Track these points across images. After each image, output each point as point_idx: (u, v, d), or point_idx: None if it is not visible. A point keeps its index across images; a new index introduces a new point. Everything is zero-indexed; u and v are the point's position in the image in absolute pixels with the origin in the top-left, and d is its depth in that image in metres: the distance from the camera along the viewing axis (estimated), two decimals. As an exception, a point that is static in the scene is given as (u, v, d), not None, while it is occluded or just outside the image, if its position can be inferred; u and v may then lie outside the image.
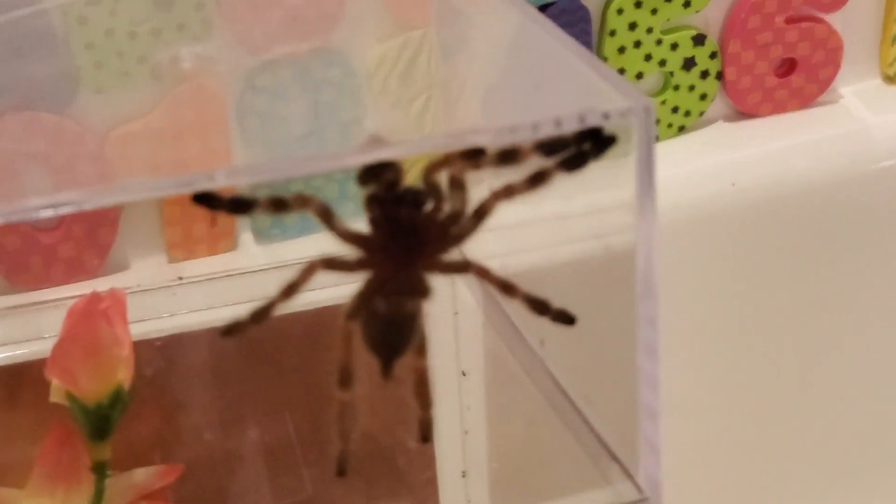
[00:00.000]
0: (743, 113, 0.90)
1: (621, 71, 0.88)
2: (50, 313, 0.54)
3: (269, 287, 0.47)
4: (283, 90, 0.66)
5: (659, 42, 0.88)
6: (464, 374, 0.59)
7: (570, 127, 0.42)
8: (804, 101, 0.91)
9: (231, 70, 0.57)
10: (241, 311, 0.48)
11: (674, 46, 0.88)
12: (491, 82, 0.47)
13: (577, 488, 0.46)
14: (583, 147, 0.43)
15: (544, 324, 0.49)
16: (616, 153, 0.44)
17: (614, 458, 0.46)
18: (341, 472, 0.47)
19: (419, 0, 0.63)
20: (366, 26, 0.65)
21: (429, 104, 0.55)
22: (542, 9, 0.84)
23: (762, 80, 0.89)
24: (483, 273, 0.46)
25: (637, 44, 0.87)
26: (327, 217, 0.45)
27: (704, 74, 0.89)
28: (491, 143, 0.42)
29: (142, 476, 0.53)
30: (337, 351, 0.45)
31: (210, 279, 0.53)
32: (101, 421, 0.52)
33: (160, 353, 0.54)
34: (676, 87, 0.89)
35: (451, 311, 0.59)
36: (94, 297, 0.52)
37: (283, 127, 0.68)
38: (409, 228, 0.45)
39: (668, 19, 0.87)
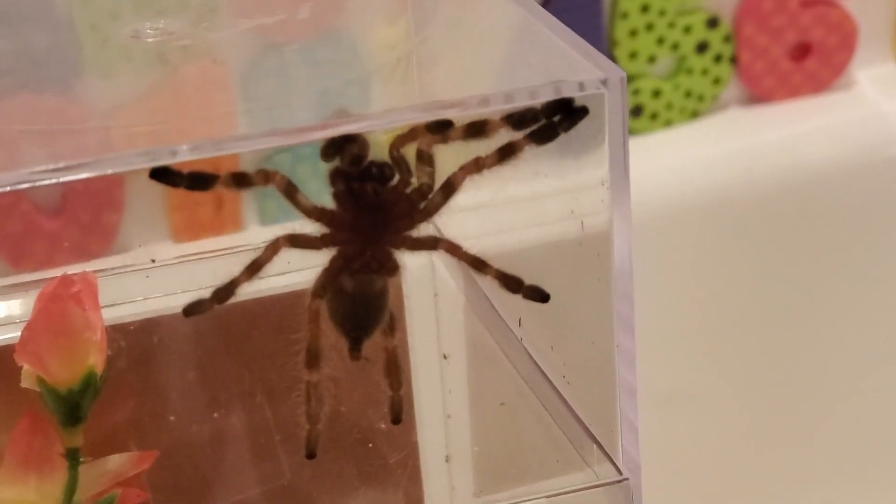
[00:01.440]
0: (757, 97, 0.89)
1: (633, 54, 0.87)
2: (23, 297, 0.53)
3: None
4: (289, 73, 0.65)
5: (671, 25, 0.87)
6: (445, 357, 0.58)
7: (545, 97, 0.40)
8: (818, 85, 0.90)
9: (237, 53, 0.56)
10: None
11: (687, 29, 0.87)
12: (463, 53, 0.46)
13: (558, 471, 0.44)
14: (553, 119, 0.41)
15: (522, 304, 0.47)
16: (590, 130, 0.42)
17: (593, 439, 0.44)
18: (311, 454, 0.46)
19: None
20: (374, 7, 0.64)
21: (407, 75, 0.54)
22: None
23: (776, 65, 0.88)
24: (453, 249, 0.45)
25: (649, 26, 0.86)
26: (291, 192, 0.44)
27: (718, 58, 0.88)
28: (461, 115, 0.41)
29: (116, 463, 0.52)
30: (304, 331, 0.43)
31: (184, 262, 0.52)
32: (72, 407, 0.51)
33: (134, 338, 0.53)
34: (689, 71, 0.88)
35: (430, 292, 0.58)
36: (65, 280, 0.51)
37: (289, 112, 0.67)
38: (374, 203, 0.44)
39: (681, 2, 0.85)
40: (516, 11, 0.47)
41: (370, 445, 0.54)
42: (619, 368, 0.44)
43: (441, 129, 0.43)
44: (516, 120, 0.43)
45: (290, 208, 0.68)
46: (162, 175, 0.42)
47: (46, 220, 0.67)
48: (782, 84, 0.90)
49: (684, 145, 0.87)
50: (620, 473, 0.45)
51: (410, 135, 0.45)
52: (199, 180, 0.43)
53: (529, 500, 0.45)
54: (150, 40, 0.47)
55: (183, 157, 0.40)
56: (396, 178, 0.45)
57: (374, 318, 0.47)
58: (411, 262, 0.56)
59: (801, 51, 0.90)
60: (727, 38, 0.89)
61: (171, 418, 0.55)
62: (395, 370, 0.48)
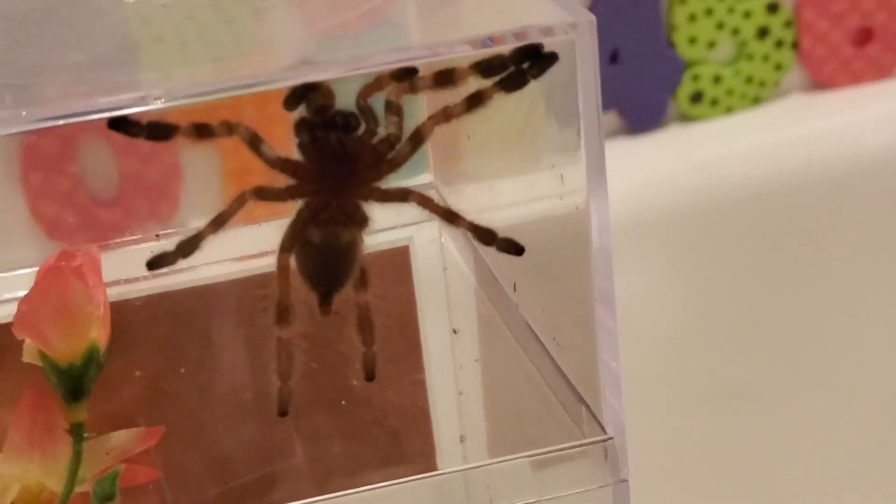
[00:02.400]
0: (819, 83, 0.87)
1: (692, 39, 0.86)
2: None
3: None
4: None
5: (731, 10, 0.86)
6: (455, 332, 0.57)
7: (511, 43, 0.39)
8: (882, 71, 0.88)
9: (288, 44, 0.56)
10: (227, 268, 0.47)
11: (747, 14, 0.85)
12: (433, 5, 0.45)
13: (557, 439, 0.43)
14: (522, 66, 0.40)
15: (517, 269, 0.46)
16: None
17: (581, 400, 0.44)
18: (283, 411, 0.46)
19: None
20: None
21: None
22: None
23: (838, 50, 0.86)
24: (424, 202, 0.44)
25: (709, 12, 0.85)
26: (255, 143, 0.44)
27: (779, 44, 0.86)
28: (428, 61, 0.40)
29: (121, 439, 0.52)
30: (273, 286, 0.43)
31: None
32: (75, 381, 0.51)
33: (140, 313, 0.53)
34: (750, 57, 0.86)
35: (440, 267, 0.58)
36: (66, 254, 0.51)
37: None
38: (340, 153, 0.43)
39: (741, -14, 0.84)
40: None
41: (382, 426, 0.53)
42: (600, 334, 0.42)
43: (407, 77, 0.42)
44: (484, 67, 0.43)
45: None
46: (120, 125, 0.41)
47: (102, 209, 0.67)
48: (844, 70, 0.88)
49: (746, 132, 0.86)
50: (605, 433, 0.45)
51: (377, 84, 0.44)
52: (158, 130, 0.42)
53: (515, 458, 0.44)
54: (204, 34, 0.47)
55: (154, 105, 0.39)
56: (363, 127, 0.44)
57: (343, 271, 0.47)
58: (419, 237, 0.56)
59: (863, 36, 0.88)
60: (788, 23, 0.87)
61: (183, 395, 0.54)
62: (368, 326, 0.47)
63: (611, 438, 0.45)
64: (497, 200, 0.52)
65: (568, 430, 0.46)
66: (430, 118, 0.44)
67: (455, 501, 0.44)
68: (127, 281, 0.52)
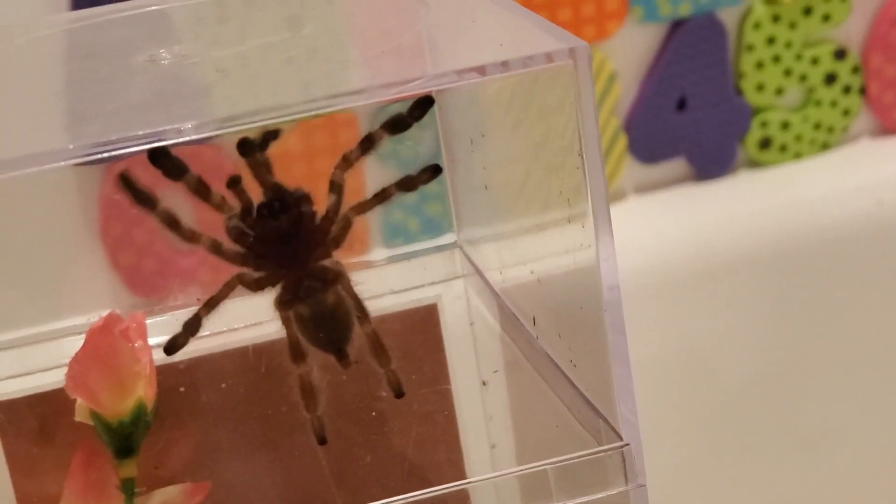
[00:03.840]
0: (887, 129, 0.87)
1: (760, 86, 0.86)
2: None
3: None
4: None
5: (799, 56, 0.86)
6: (484, 384, 0.58)
7: (516, 69, 0.42)
8: (951, 117, 0.87)
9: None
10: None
11: (814, 61, 0.86)
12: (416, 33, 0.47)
13: (573, 450, 0.45)
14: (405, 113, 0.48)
15: (536, 306, 0.51)
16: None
17: (598, 413, 0.45)
18: (321, 440, 0.50)
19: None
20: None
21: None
22: (677, 25, 0.83)
23: (906, 96, 0.86)
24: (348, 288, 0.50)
25: (776, 58, 0.86)
26: (216, 249, 0.49)
27: (847, 90, 0.87)
28: (432, 88, 0.42)
29: (170, 494, 0.54)
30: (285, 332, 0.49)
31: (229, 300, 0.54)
32: (124, 438, 0.53)
33: (184, 376, 0.55)
34: (818, 103, 0.87)
35: (466, 321, 0.60)
36: (113, 317, 0.53)
37: (413, 148, 0.70)
38: (285, 234, 0.49)
39: (808, 34, 0.84)
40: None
41: (416, 467, 0.54)
42: (610, 339, 0.44)
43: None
44: (391, 124, 0.48)
45: (412, 230, 0.71)
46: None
47: (181, 257, 0.70)
48: (912, 115, 0.88)
49: (814, 178, 0.86)
50: (621, 439, 0.46)
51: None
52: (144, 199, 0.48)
53: (537, 466, 0.46)
54: (164, 62, 0.50)
55: (189, 133, 0.42)
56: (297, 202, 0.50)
57: (343, 327, 0.51)
58: (446, 295, 0.58)
59: (931, 81, 0.88)
60: (855, 70, 0.87)
61: (227, 453, 0.56)
62: (381, 349, 0.50)
63: (627, 445, 0.46)
64: (516, 254, 0.54)
65: (585, 441, 0.48)
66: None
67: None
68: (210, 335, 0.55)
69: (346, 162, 0.49)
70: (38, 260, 0.66)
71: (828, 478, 0.84)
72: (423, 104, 0.48)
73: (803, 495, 0.84)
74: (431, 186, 0.50)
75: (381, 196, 0.50)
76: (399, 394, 0.51)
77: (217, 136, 0.43)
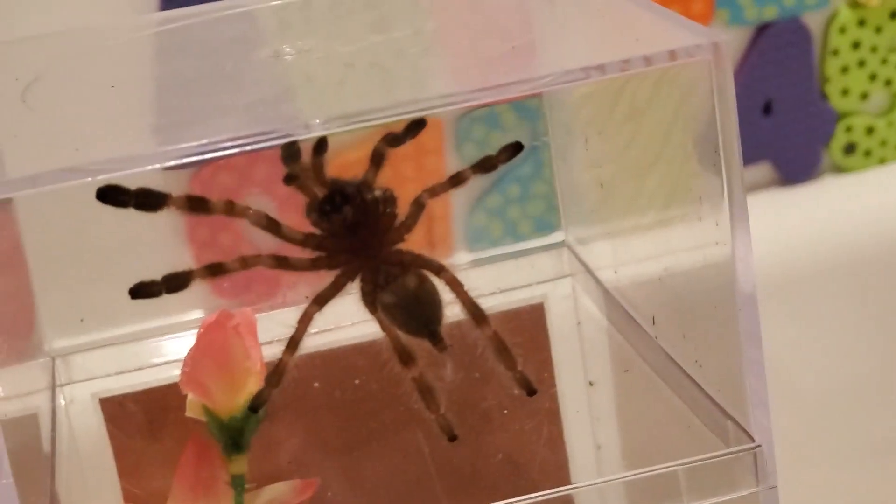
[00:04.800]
0: (976, 134, 0.86)
1: (845, 91, 0.86)
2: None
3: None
4: (498, 121, 0.70)
5: (884, 61, 0.86)
6: (591, 384, 0.58)
7: (660, 63, 0.42)
8: None
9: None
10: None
11: (900, 65, 0.86)
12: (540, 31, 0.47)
13: (696, 451, 0.45)
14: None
15: (655, 305, 0.51)
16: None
17: (726, 414, 0.45)
18: (451, 437, 0.50)
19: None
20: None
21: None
22: (762, 29, 0.84)
23: None
24: (454, 283, 0.49)
25: (861, 63, 0.86)
26: (273, 227, 0.49)
27: (933, 93, 0.86)
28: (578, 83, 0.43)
29: (279, 491, 0.55)
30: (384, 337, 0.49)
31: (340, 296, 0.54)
32: (235, 434, 0.54)
33: (294, 372, 0.55)
34: (904, 108, 0.86)
35: (573, 321, 0.60)
36: (224, 314, 0.54)
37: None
38: (357, 223, 0.49)
39: (893, 38, 0.84)
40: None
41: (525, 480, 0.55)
42: (744, 346, 0.44)
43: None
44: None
45: (498, 235, 0.72)
46: (108, 195, 0.45)
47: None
48: None
49: (898, 184, 0.85)
50: (753, 440, 0.46)
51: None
52: (148, 200, 0.45)
53: (665, 468, 0.46)
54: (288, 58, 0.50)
55: (317, 129, 0.43)
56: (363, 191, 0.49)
57: (431, 309, 0.50)
58: (553, 294, 0.58)
59: None
60: (942, 72, 0.87)
61: (334, 450, 0.56)
62: (505, 351, 0.50)
63: (759, 446, 0.46)
64: (635, 252, 0.54)
65: (711, 443, 0.47)
66: (424, 191, 0.50)
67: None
68: (279, 341, 0.54)
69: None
70: (135, 260, 0.66)
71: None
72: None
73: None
74: (538, 186, 0.51)
75: (457, 179, 0.50)
76: (531, 391, 0.50)
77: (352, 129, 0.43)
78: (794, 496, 0.66)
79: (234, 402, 0.55)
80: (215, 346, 0.55)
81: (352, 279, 0.50)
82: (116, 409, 0.60)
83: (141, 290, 0.49)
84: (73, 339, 0.54)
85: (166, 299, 0.56)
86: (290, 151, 0.49)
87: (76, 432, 0.60)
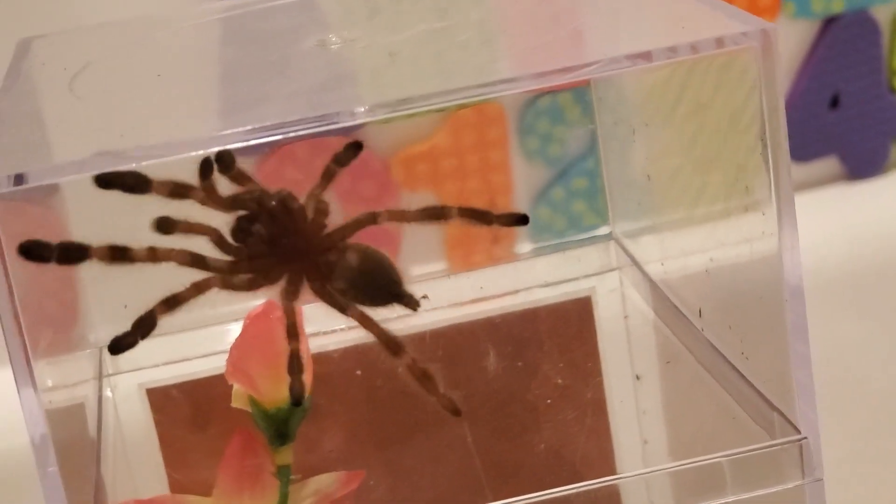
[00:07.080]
0: None
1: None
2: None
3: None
4: (562, 114, 0.71)
5: (954, 53, 0.86)
6: (638, 378, 0.58)
7: (706, 50, 0.42)
8: None
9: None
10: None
11: (970, 57, 0.85)
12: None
13: (740, 443, 0.45)
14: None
15: (703, 297, 0.52)
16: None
17: (772, 406, 0.46)
18: (456, 412, 0.50)
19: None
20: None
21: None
22: (830, 21, 0.83)
23: None
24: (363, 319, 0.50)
25: (929, 57, 0.85)
26: (199, 261, 0.49)
27: None
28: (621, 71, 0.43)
29: (325, 482, 0.55)
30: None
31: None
32: (281, 425, 0.54)
33: (339, 364, 0.55)
34: (973, 100, 0.86)
35: (620, 314, 0.60)
36: (271, 305, 0.54)
37: (561, 147, 0.70)
38: (286, 230, 0.49)
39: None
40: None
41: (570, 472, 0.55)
42: (791, 341, 0.45)
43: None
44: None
45: (562, 228, 0.72)
46: (30, 251, 0.44)
47: None
48: None
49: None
50: (799, 432, 0.46)
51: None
52: (69, 253, 0.45)
53: (709, 459, 0.46)
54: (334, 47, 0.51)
55: (361, 117, 0.43)
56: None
57: (383, 272, 0.50)
58: (600, 287, 0.58)
59: None
60: None
61: (380, 441, 0.57)
62: (423, 376, 0.50)
63: (805, 438, 0.46)
64: (683, 246, 0.54)
65: (757, 435, 0.48)
66: (386, 211, 0.50)
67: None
68: (325, 333, 0.55)
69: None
70: (180, 247, 0.67)
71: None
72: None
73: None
74: (582, 182, 0.50)
75: (435, 214, 0.49)
76: (456, 412, 0.50)
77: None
78: (844, 493, 0.66)
79: (279, 392, 0.55)
80: (261, 337, 0.55)
81: (272, 282, 0.51)
82: (162, 399, 0.61)
83: (119, 345, 0.49)
84: (119, 329, 0.54)
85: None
86: (203, 168, 0.49)
87: (122, 422, 0.61)
